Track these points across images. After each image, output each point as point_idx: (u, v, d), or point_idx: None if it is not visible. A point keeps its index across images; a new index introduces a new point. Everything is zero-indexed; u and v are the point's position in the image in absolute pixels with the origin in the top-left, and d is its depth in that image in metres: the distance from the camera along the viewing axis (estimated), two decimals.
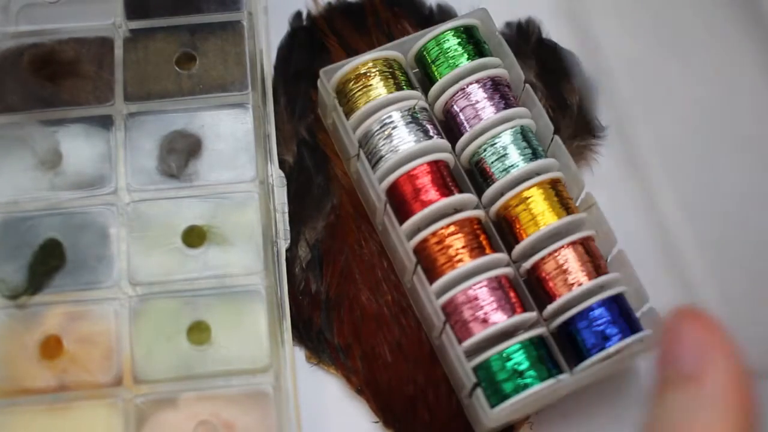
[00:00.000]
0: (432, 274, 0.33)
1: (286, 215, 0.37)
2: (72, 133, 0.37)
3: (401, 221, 0.34)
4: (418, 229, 0.33)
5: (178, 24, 0.39)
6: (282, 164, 0.38)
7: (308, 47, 0.41)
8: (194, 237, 0.36)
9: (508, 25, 0.42)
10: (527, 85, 0.36)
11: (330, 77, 0.36)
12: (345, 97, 0.36)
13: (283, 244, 0.36)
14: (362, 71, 0.35)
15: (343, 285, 0.36)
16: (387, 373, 0.35)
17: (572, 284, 0.32)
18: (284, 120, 0.39)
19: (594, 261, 0.33)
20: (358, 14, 0.42)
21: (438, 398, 0.34)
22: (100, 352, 0.34)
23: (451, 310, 0.32)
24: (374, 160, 0.35)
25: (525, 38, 0.41)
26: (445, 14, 0.42)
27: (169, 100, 0.37)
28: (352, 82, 0.36)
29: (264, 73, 0.39)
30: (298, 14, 0.42)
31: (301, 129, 0.39)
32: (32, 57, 0.38)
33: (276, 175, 0.37)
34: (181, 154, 0.36)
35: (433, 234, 0.33)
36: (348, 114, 0.35)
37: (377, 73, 0.35)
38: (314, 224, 0.37)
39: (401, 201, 0.34)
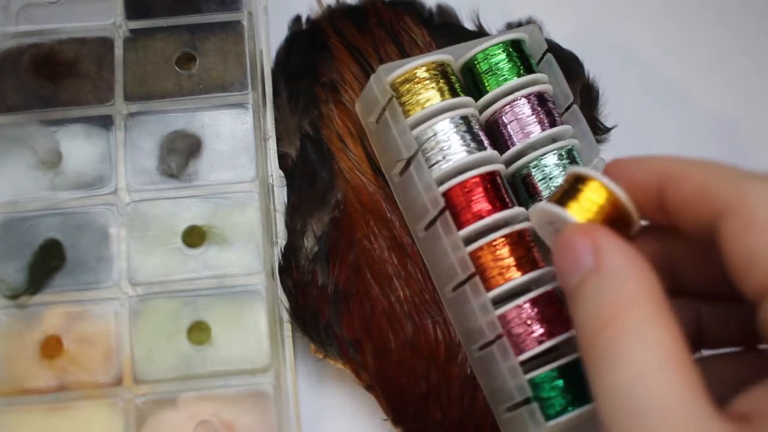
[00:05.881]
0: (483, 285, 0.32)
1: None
2: (72, 133, 0.37)
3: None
4: (469, 240, 0.33)
5: (178, 24, 0.39)
6: (285, 158, 0.37)
7: (308, 48, 0.40)
8: (194, 237, 0.36)
9: (509, 25, 0.42)
10: (575, 105, 0.35)
11: (387, 75, 0.34)
12: (400, 97, 0.34)
13: (284, 244, 0.36)
14: (421, 73, 0.34)
15: (352, 279, 0.36)
16: (399, 370, 0.34)
17: None
18: (286, 114, 0.39)
19: None
20: (359, 15, 0.42)
21: (451, 397, 0.34)
22: (100, 352, 0.34)
23: (503, 324, 0.32)
24: (428, 165, 0.34)
25: None
26: (445, 16, 0.42)
27: (169, 100, 0.38)
28: (410, 83, 0.34)
29: (264, 73, 0.39)
30: (297, 18, 0.42)
31: (305, 124, 0.38)
32: (32, 57, 0.38)
33: (276, 175, 0.37)
34: (181, 154, 0.36)
35: (489, 244, 0.32)
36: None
37: (435, 76, 0.34)
38: (321, 216, 0.37)
39: (453, 210, 0.33)
